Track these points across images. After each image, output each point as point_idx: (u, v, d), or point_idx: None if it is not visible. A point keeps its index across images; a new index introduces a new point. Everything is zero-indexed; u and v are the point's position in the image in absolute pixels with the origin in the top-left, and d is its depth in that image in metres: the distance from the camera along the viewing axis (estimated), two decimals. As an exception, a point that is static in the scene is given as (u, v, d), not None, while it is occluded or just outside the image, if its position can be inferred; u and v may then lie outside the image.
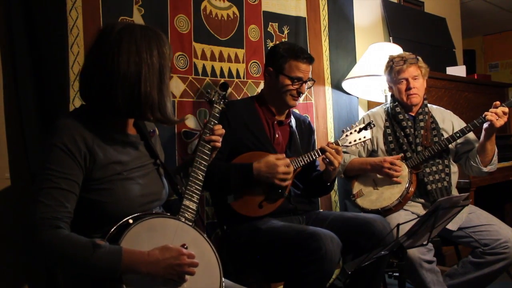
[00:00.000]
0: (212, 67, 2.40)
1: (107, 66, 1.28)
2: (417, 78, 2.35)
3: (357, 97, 3.12)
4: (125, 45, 1.29)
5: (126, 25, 1.34)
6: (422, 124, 2.36)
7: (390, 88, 2.47)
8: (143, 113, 1.33)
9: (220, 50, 2.44)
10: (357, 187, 2.39)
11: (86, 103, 1.37)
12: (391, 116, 2.42)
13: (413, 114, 2.41)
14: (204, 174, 1.50)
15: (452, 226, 2.15)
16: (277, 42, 2.67)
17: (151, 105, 1.31)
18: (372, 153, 2.45)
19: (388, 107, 2.47)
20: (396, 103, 2.42)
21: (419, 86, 2.36)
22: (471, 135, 2.36)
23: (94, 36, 1.35)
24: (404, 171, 2.26)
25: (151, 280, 1.23)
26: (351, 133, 2.06)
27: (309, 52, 2.79)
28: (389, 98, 2.88)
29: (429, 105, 2.47)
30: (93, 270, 1.18)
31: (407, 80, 2.34)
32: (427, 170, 2.30)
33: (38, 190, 1.22)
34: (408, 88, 2.34)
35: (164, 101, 1.34)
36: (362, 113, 3.22)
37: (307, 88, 2.12)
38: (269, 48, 2.49)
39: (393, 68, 2.37)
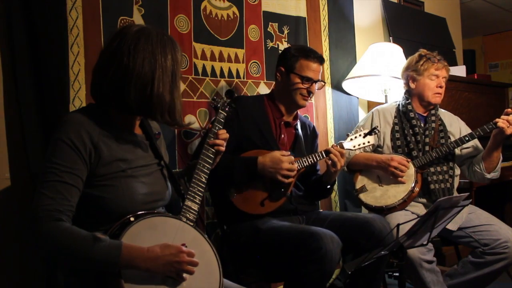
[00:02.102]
0: (212, 67, 2.40)
1: (122, 63, 1.30)
2: (445, 81, 2.37)
3: (357, 97, 3.12)
4: (142, 46, 1.32)
5: (143, 28, 1.37)
6: (433, 125, 2.36)
7: (412, 81, 2.40)
8: (152, 112, 1.35)
9: (220, 50, 2.44)
10: (360, 181, 2.38)
11: (96, 99, 1.38)
12: (401, 113, 2.41)
13: (424, 115, 2.41)
14: (207, 177, 1.51)
15: (452, 226, 2.15)
16: (278, 43, 2.67)
17: (162, 106, 1.34)
18: (377, 148, 2.43)
19: (399, 104, 2.46)
20: (409, 100, 2.40)
21: (444, 88, 2.37)
22: (476, 141, 2.36)
23: (110, 35, 1.38)
24: (410, 170, 2.26)
25: (150, 276, 1.24)
26: (356, 137, 2.06)
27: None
28: (389, 98, 2.88)
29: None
30: (92, 263, 1.19)
31: (439, 78, 2.34)
32: (432, 169, 2.29)
33: (42, 183, 1.23)
34: (440, 86, 2.34)
35: (175, 103, 1.37)
36: (362, 113, 3.22)
37: (317, 89, 2.13)
38: (269, 48, 2.50)
39: (428, 62, 2.34)
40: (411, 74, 2.40)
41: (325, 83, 2.20)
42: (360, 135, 2.05)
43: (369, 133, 2.05)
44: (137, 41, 1.32)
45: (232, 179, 1.93)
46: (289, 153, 1.96)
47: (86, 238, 1.19)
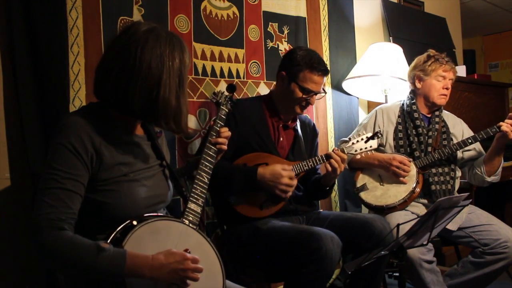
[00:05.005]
0: (212, 67, 2.40)
1: (128, 63, 1.24)
2: (452, 83, 2.37)
3: (357, 97, 3.12)
4: (150, 47, 1.26)
5: (152, 28, 1.31)
6: (437, 126, 2.36)
7: (418, 81, 2.40)
8: (157, 118, 1.30)
9: (220, 50, 2.44)
10: (361, 180, 2.37)
11: (99, 99, 1.33)
12: (405, 112, 2.41)
13: (428, 116, 2.41)
14: (209, 177, 1.48)
15: (452, 226, 2.16)
16: (278, 43, 2.67)
17: (167, 111, 1.28)
18: (380, 147, 2.41)
19: (404, 103, 2.45)
20: (414, 100, 2.40)
21: (450, 90, 2.37)
22: (478, 144, 2.37)
23: (116, 33, 1.33)
24: (412, 170, 2.26)
25: (154, 284, 1.21)
26: (357, 141, 2.03)
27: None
28: (389, 98, 2.88)
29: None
30: (96, 273, 1.16)
31: (445, 79, 2.34)
32: (433, 170, 2.30)
33: (43, 190, 1.19)
34: (446, 88, 2.34)
35: (181, 110, 1.31)
36: (362, 113, 3.21)
37: (316, 99, 2.07)
38: (269, 48, 2.49)
39: (436, 63, 2.34)
40: (418, 73, 2.40)
41: (325, 93, 2.15)
42: (362, 139, 2.02)
43: (372, 138, 2.01)
44: (145, 41, 1.26)
45: (231, 188, 1.91)
46: (291, 167, 1.94)
47: (89, 248, 1.15)
